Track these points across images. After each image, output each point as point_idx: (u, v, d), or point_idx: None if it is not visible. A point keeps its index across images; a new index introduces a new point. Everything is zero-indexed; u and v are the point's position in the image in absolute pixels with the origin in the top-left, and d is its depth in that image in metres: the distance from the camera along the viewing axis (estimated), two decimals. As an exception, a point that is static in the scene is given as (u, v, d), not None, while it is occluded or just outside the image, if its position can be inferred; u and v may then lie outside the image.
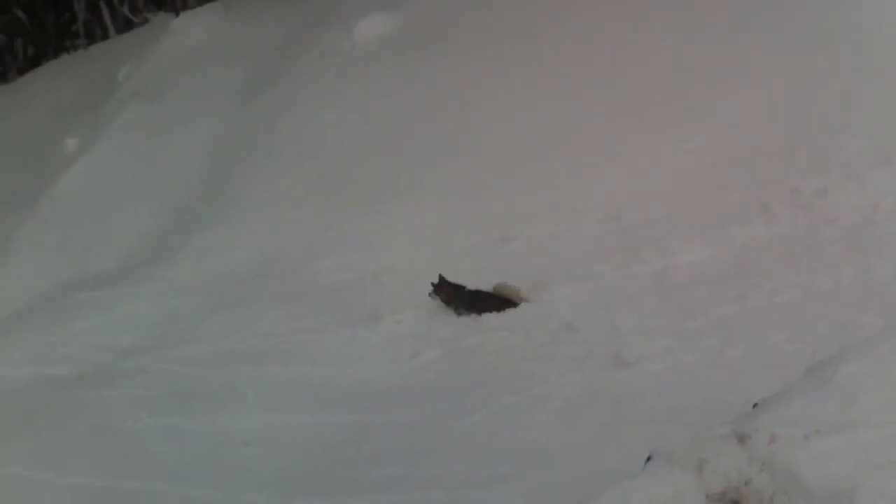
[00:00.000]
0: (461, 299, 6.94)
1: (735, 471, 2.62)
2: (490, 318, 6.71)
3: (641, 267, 6.59)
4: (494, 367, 6.08)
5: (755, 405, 2.99)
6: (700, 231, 6.63)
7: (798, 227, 6.24)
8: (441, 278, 6.98)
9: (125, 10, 21.45)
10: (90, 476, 6.37)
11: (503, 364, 6.07)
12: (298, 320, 7.62)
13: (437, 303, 7.03)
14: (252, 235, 9.32)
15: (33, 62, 23.43)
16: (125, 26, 21.50)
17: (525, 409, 5.46)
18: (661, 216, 7.03)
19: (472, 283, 7.06)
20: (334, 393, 6.45)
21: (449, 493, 4.84)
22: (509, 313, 6.70)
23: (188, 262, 9.45)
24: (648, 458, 2.91)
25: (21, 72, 23.17)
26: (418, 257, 7.86)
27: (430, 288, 6.97)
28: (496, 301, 6.84)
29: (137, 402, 7.19)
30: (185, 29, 14.34)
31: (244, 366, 7.23)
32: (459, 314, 6.90)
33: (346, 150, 9.73)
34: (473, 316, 6.80)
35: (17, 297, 10.37)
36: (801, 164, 6.78)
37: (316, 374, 6.78)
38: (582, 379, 5.58)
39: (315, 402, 6.40)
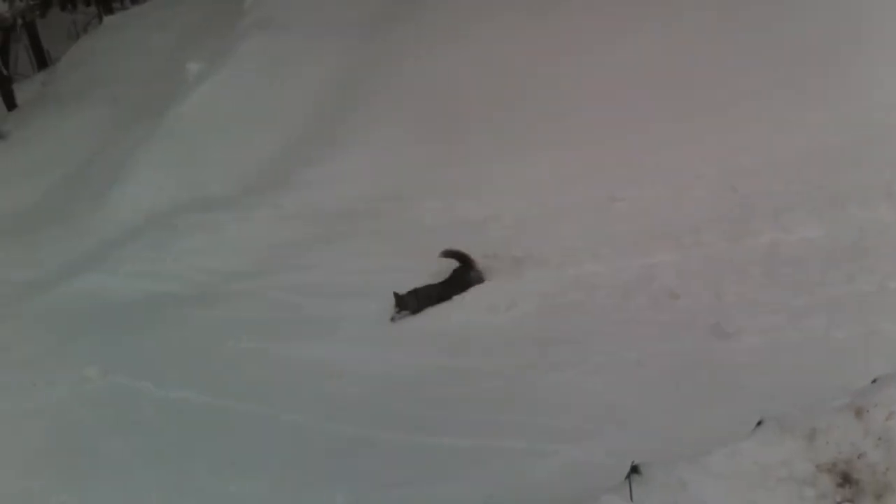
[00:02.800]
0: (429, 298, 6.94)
1: (848, 443, 2.56)
2: (591, 277, 6.63)
3: (752, 239, 6.40)
4: (591, 325, 6.03)
5: (874, 381, 2.90)
6: (818, 208, 6.39)
7: (923, 213, 5.96)
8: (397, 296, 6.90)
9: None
10: (186, 390, 6.57)
11: (600, 324, 6.01)
12: (400, 259, 7.67)
13: (539, 253, 6.98)
14: (363, 171, 9.37)
15: (164, -15, 23.92)
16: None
17: (616, 371, 5.42)
18: (778, 189, 6.80)
19: (573, 242, 7.02)
20: (428, 335, 6.51)
21: (531, 443, 4.86)
22: (610, 275, 6.60)
23: (298, 191, 9.55)
24: (759, 423, 2.86)
25: (151, -6, 23.66)
26: (523, 209, 7.79)
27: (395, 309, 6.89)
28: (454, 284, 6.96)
29: (238, 325, 7.37)
30: (313, -38, 14.35)
31: (342, 299, 7.33)
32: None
33: (461, 95, 9.64)
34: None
35: (132, 212, 10.65)
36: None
37: (411, 316, 6.86)
38: (679, 346, 5.50)
39: (408, 342, 6.48)
